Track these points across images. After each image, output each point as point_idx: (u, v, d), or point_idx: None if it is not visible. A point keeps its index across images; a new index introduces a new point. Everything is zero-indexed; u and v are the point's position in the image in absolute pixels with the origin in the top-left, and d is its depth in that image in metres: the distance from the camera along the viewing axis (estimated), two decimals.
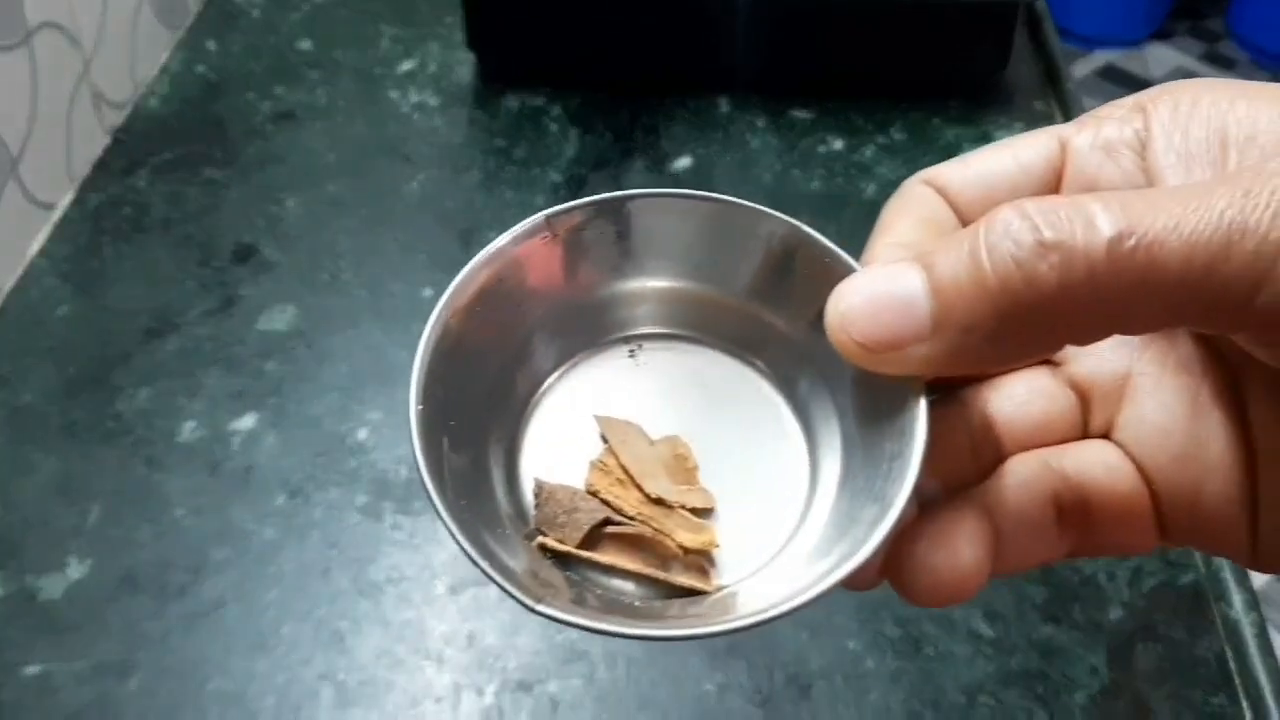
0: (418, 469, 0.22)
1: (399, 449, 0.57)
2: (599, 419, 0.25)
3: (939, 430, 0.22)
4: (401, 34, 0.85)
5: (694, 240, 0.24)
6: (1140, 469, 0.22)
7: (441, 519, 0.21)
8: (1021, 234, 0.18)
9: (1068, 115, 0.77)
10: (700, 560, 0.23)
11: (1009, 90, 0.79)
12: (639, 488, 0.23)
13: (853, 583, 0.21)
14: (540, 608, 0.20)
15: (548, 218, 0.24)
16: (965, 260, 0.19)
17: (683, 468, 0.24)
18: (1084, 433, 0.23)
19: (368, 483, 0.55)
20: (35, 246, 0.67)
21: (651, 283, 0.25)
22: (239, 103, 0.78)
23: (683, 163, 0.74)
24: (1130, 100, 0.22)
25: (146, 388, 0.59)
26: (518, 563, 0.22)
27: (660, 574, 0.22)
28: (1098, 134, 0.23)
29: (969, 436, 0.23)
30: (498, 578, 0.21)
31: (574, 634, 0.49)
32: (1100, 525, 0.22)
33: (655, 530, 0.23)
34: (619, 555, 0.23)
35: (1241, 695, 0.47)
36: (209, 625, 0.50)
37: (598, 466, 0.24)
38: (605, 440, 0.24)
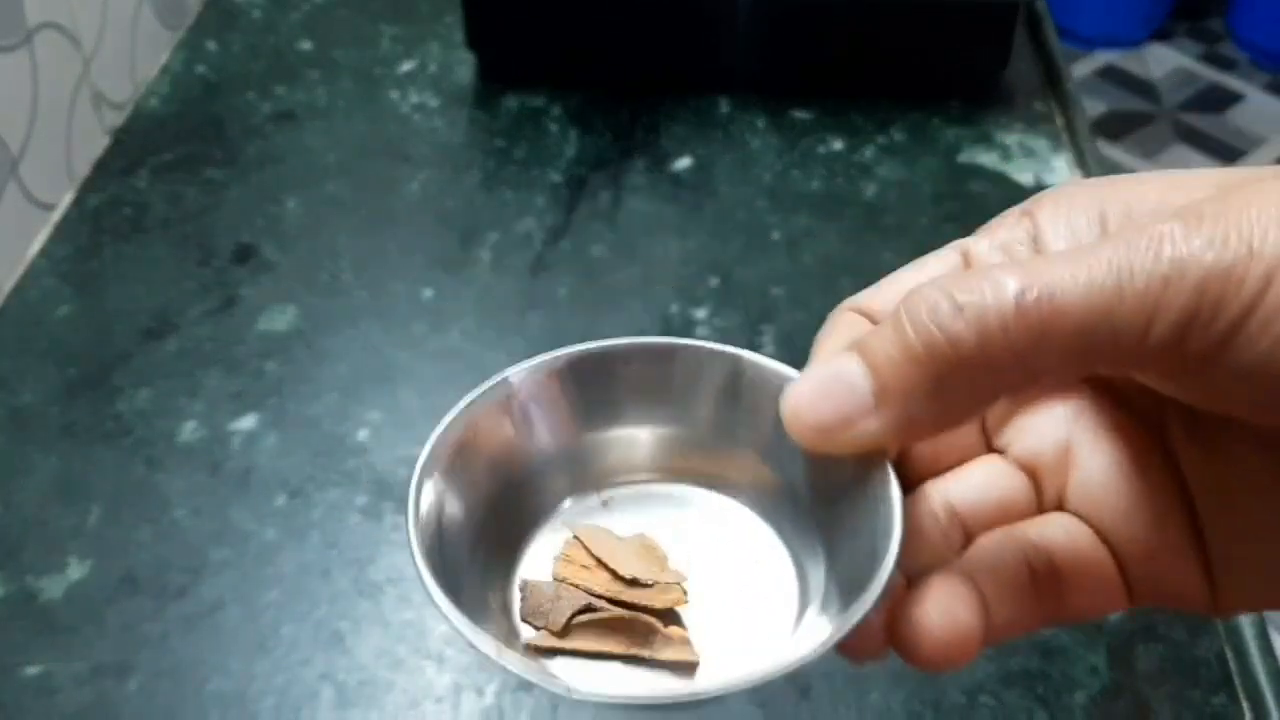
0: (449, 622, 0.22)
1: (399, 449, 0.57)
2: (570, 527, 0.25)
3: (908, 523, 0.23)
4: (401, 34, 0.85)
5: (650, 385, 0.25)
6: (1096, 530, 0.23)
7: (479, 650, 0.21)
8: (938, 302, 0.20)
9: (1067, 115, 0.77)
10: (681, 633, 0.23)
11: (1009, 90, 0.79)
12: (606, 567, 0.24)
13: (857, 651, 0.22)
14: (576, 696, 0.21)
15: (506, 380, 0.25)
16: (892, 335, 0.21)
17: (653, 556, 0.25)
18: (1039, 508, 0.24)
19: (367, 483, 0.55)
20: (35, 247, 0.67)
21: (614, 431, 0.26)
22: (239, 103, 0.78)
23: (683, 163, 0.74)
24: (1016, 210, 0.24)
25: (146, 388, 0.59)
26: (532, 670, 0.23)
27: (645, 651, 0.23)
28: (993, 239, 0.24)
29: (937, 525, 0.24)
30: (540, 680, 0.21)
31: None
32: (1071, 588, 0.23)
33: (627, 603, 0.24)
34: (602, 641, 0.23)
35: (1242, 695, 0.47)
36: (209, 626, 0.50)
37: (562, 559, 0.24)
38: (575, 538, 0.25)
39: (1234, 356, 0.19)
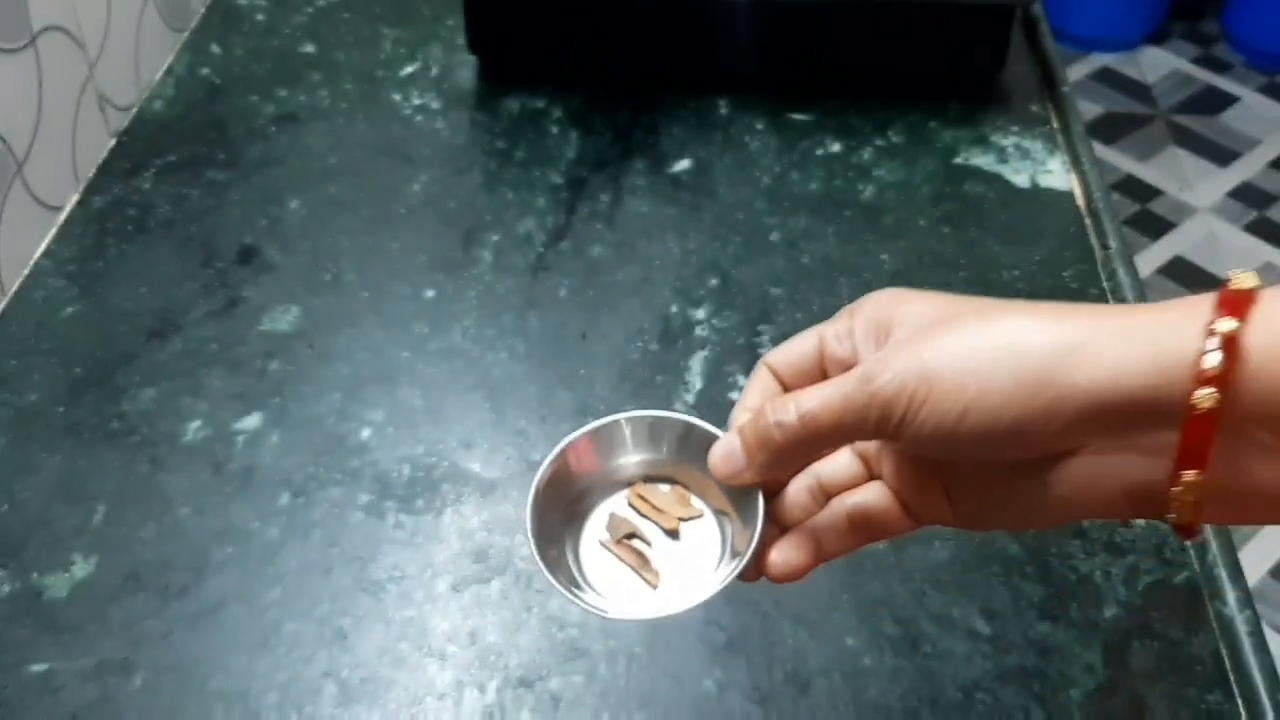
0: (553, 584, 0.39)
1: (400, 449, 0.57)
2: (644, 486, 0.43)
3: (796, 488, 0.40)
4: (403, 37, 0.85)
5: (648, 439, 0.43)
6: (894, 492, 0.38)
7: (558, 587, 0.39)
8: (769, 418, 0.36)
9: (1063, 118, 0.78)
10: (657, 570, 0.41)
11: (1005, 92, 0.80)
12: (657, 509, 0.42)
13: (744, 577, 0.39)
14: (613, 615, 0.39)
15: (569, 443, 0.42)
16: (750, 431, 0.37)
17: (683, 500, 0.43)
18: (869, 477, 0.39)
19: (370, 482, 0.56)
20: (40, 248, 0.68)
21: (624, 459, 0.43)
22: (242, 105, 0.79)
23: (682, 164, 0.74)
24: (849, 309, 0.38)
25: (150, 388, 0.60)
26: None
27: (639, 569, 0.41)
28: (835, 328, 0.38)
29: (809, 493, 0.40)
30: (586, 606, 0.39)
31: (574, 632, 0.50)
32: (876, 526, 0.38)
33: (653, 520, 0.43)
34: (627, 554, 0.41)
35: (1236, 692, 0.48)
36: (212, 624, 0.50)
37: (633, 493, 0.43)
38: (642, 498, 0.43)
39: (906, 438, 0.34)
